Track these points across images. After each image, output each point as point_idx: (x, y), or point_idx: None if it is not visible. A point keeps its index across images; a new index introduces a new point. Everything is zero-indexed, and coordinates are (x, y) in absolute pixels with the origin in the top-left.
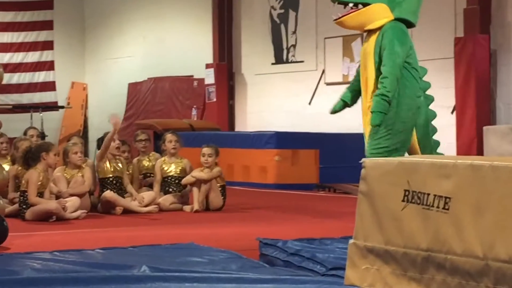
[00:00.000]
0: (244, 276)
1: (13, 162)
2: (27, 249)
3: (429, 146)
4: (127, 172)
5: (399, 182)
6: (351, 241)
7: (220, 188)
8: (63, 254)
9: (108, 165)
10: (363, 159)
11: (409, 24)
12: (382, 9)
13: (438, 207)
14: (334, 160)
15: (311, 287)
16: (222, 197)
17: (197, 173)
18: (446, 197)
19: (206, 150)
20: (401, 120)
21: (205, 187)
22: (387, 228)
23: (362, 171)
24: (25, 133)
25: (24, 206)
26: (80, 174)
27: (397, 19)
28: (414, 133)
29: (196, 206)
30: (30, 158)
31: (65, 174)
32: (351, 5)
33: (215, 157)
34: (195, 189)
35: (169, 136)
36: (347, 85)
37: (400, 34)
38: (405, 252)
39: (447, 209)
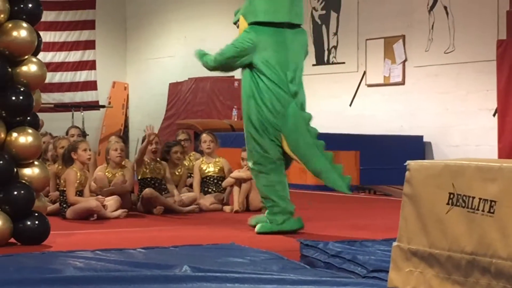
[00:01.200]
0: (285, 277)
1: (53, 161)
2: (69, 248)
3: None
4: (177, 173)
5: (444, 185)
6: (394, 243)
7: None
8: (105, 253)
9: (146, 166)
10: (408, 162)
11: (271, 24)
12: (242, 21)
13: (483, 210)
14: (375, 161)
15: None
16: None
17: (236, 174)
18: (491, 201)
19: (244, 154)
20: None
21: (245, 187)
22: (431, 231)
23: (407, 173)
24: (67, 133)
25: (64, 205)
26: (121, 173)
27: (251, 24)
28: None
29: (236, 206)
30: (66, 159)
31: (106, 173)
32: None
33: None
34: (235, 190)
35: (204, 136)
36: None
37: (238, 39)
38: (449, 255)
39: (492, 213)
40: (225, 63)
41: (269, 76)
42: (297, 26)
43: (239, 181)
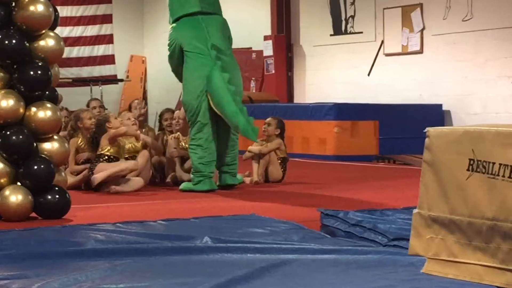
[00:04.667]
0: (306, 246)
1: (71, 135)
2: (89, 221)
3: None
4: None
5: (464, 151)
6: (415, 210)
7: (280, 161)
8: (125, 226)
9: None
10: (427, 128)
11: (186, 15)
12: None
13: (503, 176)
14: (394, 131)
15: (373, 257)
16: (282, 170)
17: (254, 147)
18: None
19: (268, 120)
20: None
21: (264, 159)
22: (451, 198)
23: (426, 140)
24: (88, 105)
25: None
26: (139, 146)
27: (174, 22)
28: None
29: (255, 177)
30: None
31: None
32: None
33: (274, 128)
34: (254, 162)
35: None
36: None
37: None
38: (470, 221)
39: None
40: (175, 71)
41: (192, 50)
42: (212, 14)
43: (257, 155)
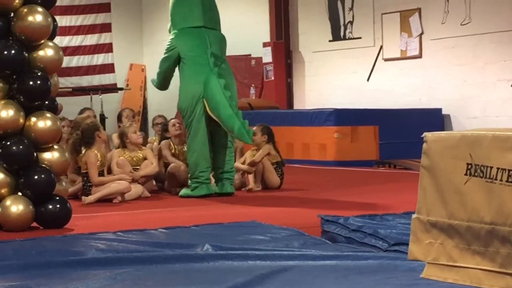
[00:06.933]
0: (307, 253)
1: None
2: (90, 230)
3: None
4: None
5: (462, 155)
6: (414, 215)
7: (274, 166)
8: (126, 234)
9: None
10: (424, 133)
11: (194, 28)
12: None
13: (501, 180)
14: (394, 136)
15: (373, 263)
16: (279, 175)
17: (241, 165)
18: (509, 170)
19: (254, 129)
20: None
21: (258, 167)
22: (450, 202)
23: (424, 145)
24: (80, 114)
25: (88, 185)
26: (142, 156)
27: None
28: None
29: (251, 185)
30: (85, 139)
31: (125, 157)
32: None
33: (260, 136)
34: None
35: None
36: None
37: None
38: (468, 225)
39: (511, 182)
40: (164, 73)
41: (190, 57)
42: (213, 29)
43: (250, 164)
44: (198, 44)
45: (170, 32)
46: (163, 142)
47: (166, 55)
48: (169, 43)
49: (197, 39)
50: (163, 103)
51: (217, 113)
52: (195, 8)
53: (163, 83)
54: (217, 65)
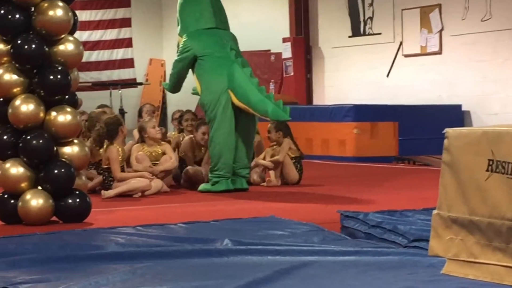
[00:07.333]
0: (326, 248)
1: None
2: (110, 225)
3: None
4: (202, 150)
5: (483, 152)
6: (434, 211)
7: (293, 160)
8: (146, 229)
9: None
10: (446, 129)
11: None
12: (180, 40)
13: None
14: (413, 132)
15: (393, 258)
16: (298, 170)
17: (262, 161)
18: None
19: (267, 128)
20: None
21: (277, 165)
22: (471, 198)
23: (445, 141)
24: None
25: (110, 180)
26: (160, 151)
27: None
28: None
29: (273, 179)
30: (109, 133)
31: (144, 151)
32: None
33: (275, 133)
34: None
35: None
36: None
37: (178, 52)
38: (490, 222)
39: None
40: (177, 74)
41: (208, 53)
42: (225, 30)
43: (275, 165)
44: (215, 41)
45: (180, 35)
46: (187, 138)
47: (180, 56)
48: (182, 45)
49: (213, 37)
50: (182, 98)
51: (247, 100)
52: (205, 10)
53: (175, 85)
54: (238, 57)
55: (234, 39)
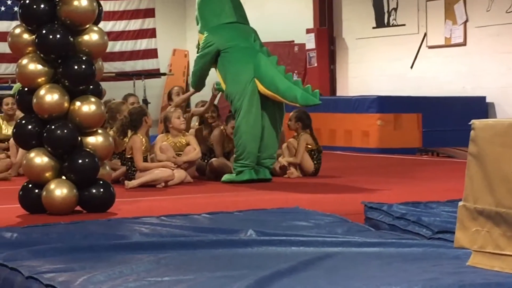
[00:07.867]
0: (350, 239)
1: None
2: (134, 214)
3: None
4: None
5: (510, 143)
6: (460, 203)
7: (312, 152)
8: (170, 219)
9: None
10: (472, 121)
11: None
12: (201, 37)
13: None
14: (437, 123)
15: (417, 250)
16: (315, 162)
17: (282, 160)
18: None
19: (289, 116)
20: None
21: (291, 153)
22: (497, 190)
23: (472, 132)
24: (125, 99)
25: (133, 169)
26: (185, 141)
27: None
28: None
29: (292, 169)
30: (133, 123)
31: (168, 142)
32: None
33: (294, 122)
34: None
35: None
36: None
37: (200, 48)
38: None
39: None
40: (200, 70)
41: (232, 46)
42: (245, 24)
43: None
44: (238, 34)
45: (201, 32)
46: (217, 130)
47: (202, 52)
48: (204, 40)
49: (235, 31)
50: (205, 88)
51: (275, 88)
52: (225, 5)
53: (199, 81)
54: (262, 47)
55: (255, 32)
